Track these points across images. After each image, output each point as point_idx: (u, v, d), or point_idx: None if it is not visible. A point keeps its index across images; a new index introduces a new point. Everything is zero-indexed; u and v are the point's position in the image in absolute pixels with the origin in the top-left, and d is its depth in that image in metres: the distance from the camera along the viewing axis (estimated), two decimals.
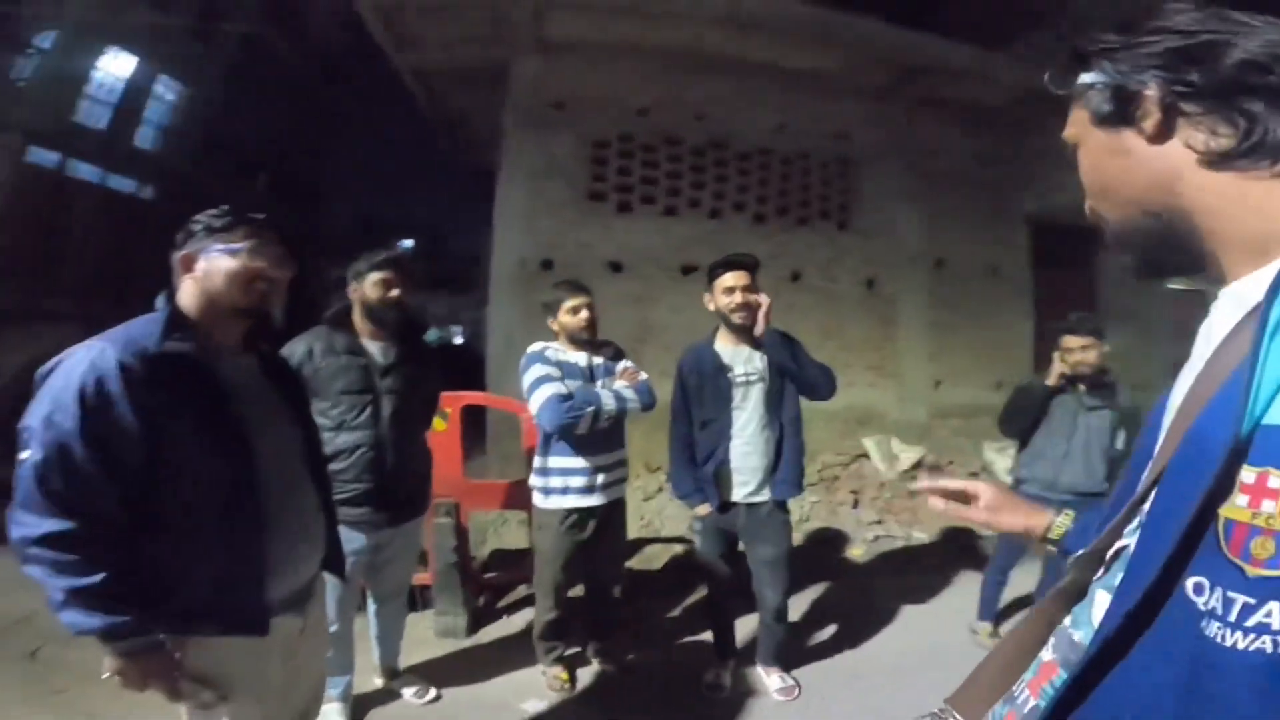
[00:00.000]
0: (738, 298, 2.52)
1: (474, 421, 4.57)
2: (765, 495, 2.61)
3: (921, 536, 4.68)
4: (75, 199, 9.91)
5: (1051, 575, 3.08)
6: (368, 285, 2.31)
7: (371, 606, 2.63)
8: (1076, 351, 2.81)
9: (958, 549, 4.42)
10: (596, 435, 2.52)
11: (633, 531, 4.57)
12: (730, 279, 2.54)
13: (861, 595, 3.78)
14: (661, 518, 4.84)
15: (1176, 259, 0.61)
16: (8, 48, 8.68)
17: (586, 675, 2.90)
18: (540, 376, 2.47)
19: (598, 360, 2.64)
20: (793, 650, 2.99)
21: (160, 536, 1.34)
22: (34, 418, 1.24)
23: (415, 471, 2.46)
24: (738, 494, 2.61)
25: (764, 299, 2.54)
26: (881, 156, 6.56)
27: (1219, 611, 0.45)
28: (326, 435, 2.17)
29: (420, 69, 6.32)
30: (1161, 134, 0.58)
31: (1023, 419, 2.99)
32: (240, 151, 13.27)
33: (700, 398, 2.60)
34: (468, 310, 18.85)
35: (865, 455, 5.96)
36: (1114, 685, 0.51)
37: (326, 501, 1.68)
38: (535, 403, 2.44)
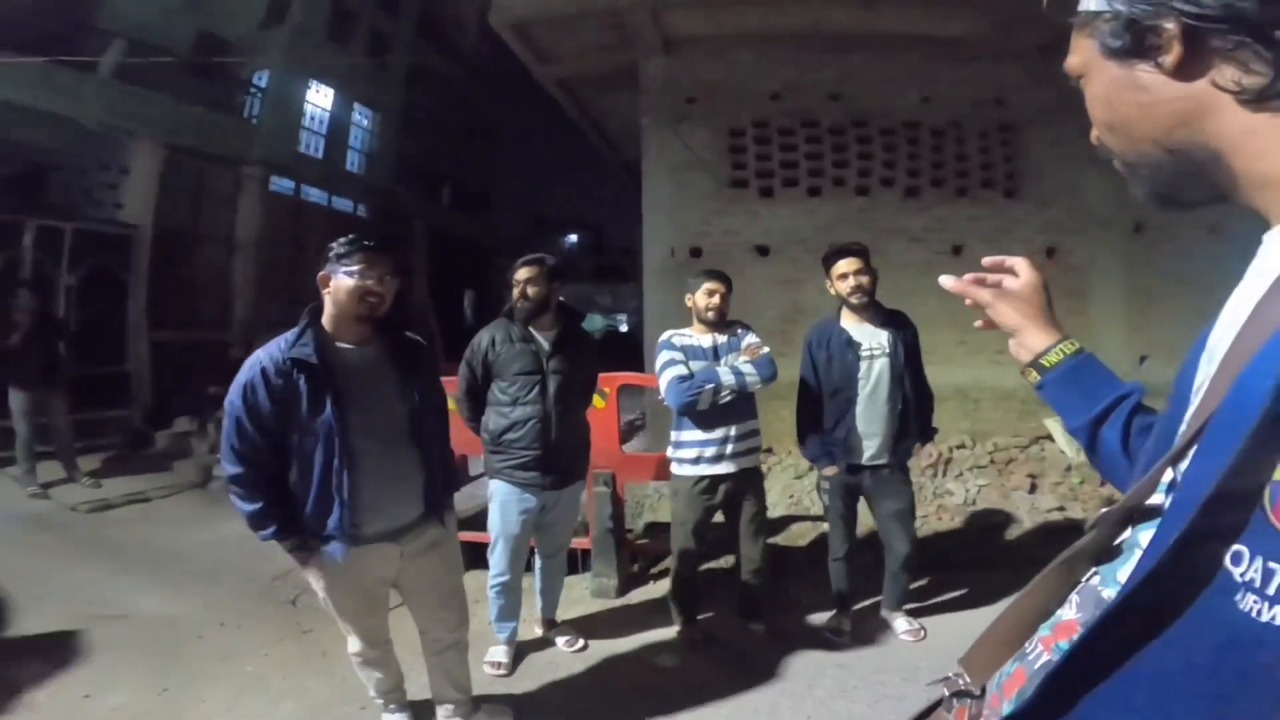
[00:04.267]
0: (852, 281, 2.79)
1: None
2: (886, 459, 2.88)
3: None
4: (309, 221, 11.93)
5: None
6: (516, 285, 2.72)
7: (537, 563, 3.04)
8: None
9: None
10: (722, 408, 2.77)
11: (781, 509, 4.70)
12: (843, 265, 2.83)
13: (1015, 576, 3.55)
14: (811, 496, 4.86)
15: (1195, 193, 0.57)
16: (234, 88, 10.37)
17: (720, 638, 3.10)
18: (665, 361, 2.79)
19: (723, 339, 2.87)
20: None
21: (293, 477, 1.96)
22: (231, 395, 1.91)
23: (576, 442, 2.84)
24: (864, 458, 2.86)
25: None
26: (1049, 119, 5.89)
27: (1257, 584, 0.41)
28: (504, 409, 2.68)
29: (560, 78, 6.83)
30: (1183, 70, 0.52)
31: None
32: (425, 168, 15.03)
33: (828, 370, 2.85)
34: (631, 299, 19.68)
35: (1048, 438, 5.47)
36: (1133, 650, 0.48)
37: (426, 459, 2.10)
38: (661, 385, 2.77)
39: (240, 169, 10.03)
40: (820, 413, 2.91)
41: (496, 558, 2.78)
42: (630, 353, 6.98)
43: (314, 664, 2.95)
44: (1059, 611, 0.62)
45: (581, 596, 3.56)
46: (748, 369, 2.75)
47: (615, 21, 5.57)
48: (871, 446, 2.86)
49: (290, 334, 1.93)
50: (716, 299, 2.85)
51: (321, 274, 1.96)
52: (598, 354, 2.96)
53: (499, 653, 2.84)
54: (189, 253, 9.12)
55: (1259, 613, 0.41)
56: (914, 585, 3.25)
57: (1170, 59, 0.52)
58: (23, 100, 7.09)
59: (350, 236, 1.98)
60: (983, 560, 3.88)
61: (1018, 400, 5.57)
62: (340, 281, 1.92)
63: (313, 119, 12.29)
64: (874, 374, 2.83)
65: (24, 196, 7.78)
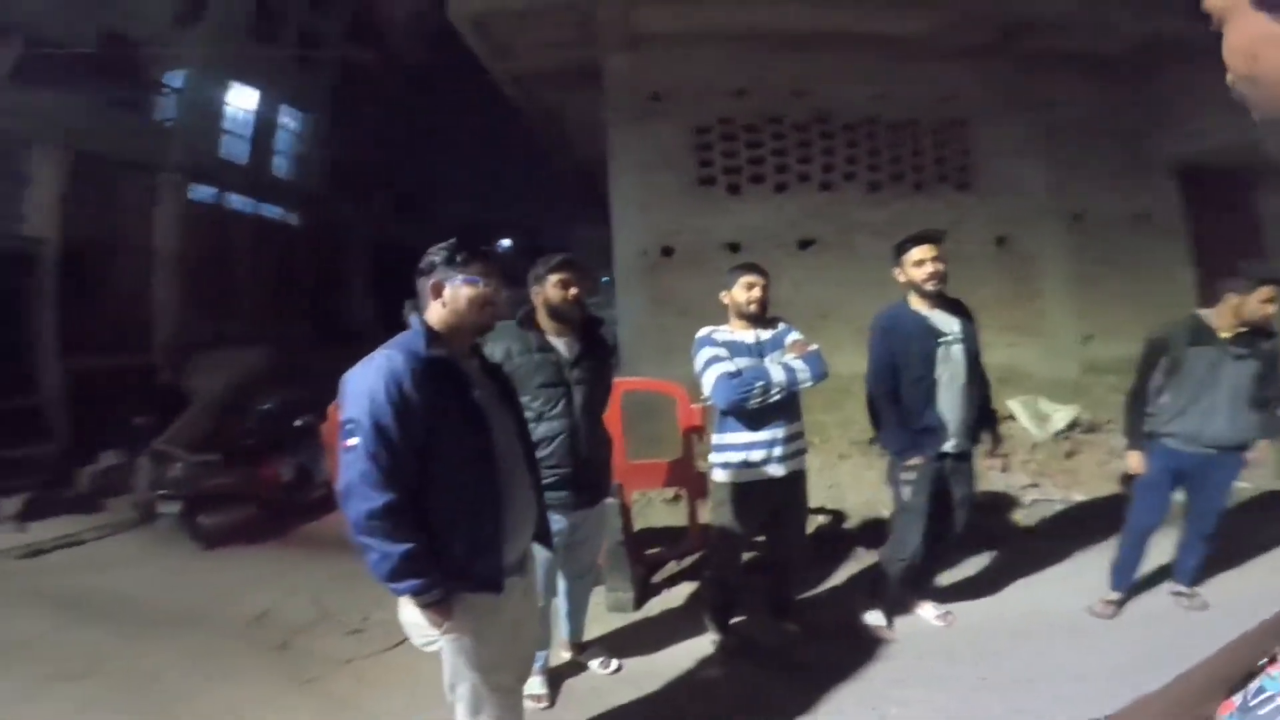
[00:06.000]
0: (929, 268, 2.73)
1: None
2: (966, 445, 2.85)
3: (1080, 498, 4.49)
4: (234, 230, 11.13)
5: (1194, 543, 2.97)
6: (549, 287, 2.51)
7: (561, 585, 2.85)
8: (1255, 303, 2.68)
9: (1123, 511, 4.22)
10: (770, 408, 2.63)
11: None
12: (919, 252, 2.76)
13: (1031, 559, 3.69)
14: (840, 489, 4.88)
15: None
16: (146, 88, 9.46)
17: (757, 641, 3.03)
18: (710, 358, 2.64)
19: (765, 336, 2.77)
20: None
21: (430, 508, 1.65)
22: (357, 412, 1.57)
23: (603, 455, 2.68)
24: (948, 445, 2.80)
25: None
26: (997, 114, 6.23)
27: None
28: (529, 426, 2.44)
29: (516, 75, 6.67)
30: None
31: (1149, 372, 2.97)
32: (358, 171, 14.31)
33: (906, 358, 2.77)
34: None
35: (1010, 417, 5.72)
36: None
37: (537, 479, 1.95)
38: (707, 383, 2.62)
39: (155, 176, 9.23)
40: (899, 402, 2.81)
41: None
42: None
43: (336, 717, 2.68)
44: None
45: (597, 613, 3.40)
46: (799, 365, 2.65)
47: (580, 18, 5.45)
48: (954, 434, 2.80)
49: (407, 337, 1.69)
50: (757, 291, 2.72)
51: (433, 280, 1.74)
52: (612, 361, 2.82)
53: (535, 684, 2.64)
54: (102, 268, 8.32)
55: None
56: None
57: None
58: None
59: (460, 241, 1.79)
60: (976, 540, 3.98)
61: None
62: (459, 289, 1.73)
63: (235, 121, 11.44)
64: (952, 360, 2.77)
65: None
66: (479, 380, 1.81)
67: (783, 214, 5.95)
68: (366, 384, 1.58)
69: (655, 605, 3.50)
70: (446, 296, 1.74)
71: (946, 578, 3.48)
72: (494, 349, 2.46)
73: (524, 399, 2.45)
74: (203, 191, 10.54)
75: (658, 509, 4.79)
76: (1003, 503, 4.56)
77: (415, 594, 1.60)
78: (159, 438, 5.97)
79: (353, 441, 1.56)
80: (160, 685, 2.91)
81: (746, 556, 3.53)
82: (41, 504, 5.78)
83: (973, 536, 3.99)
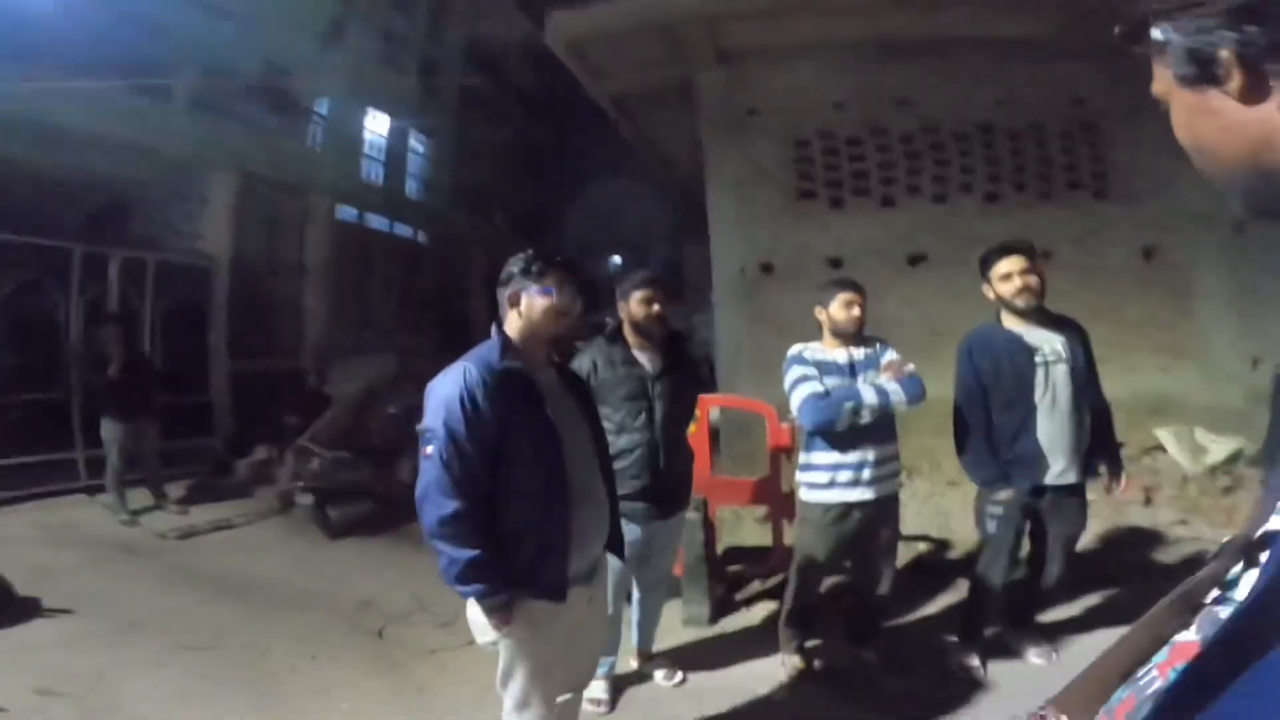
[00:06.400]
0: (1017, 282, 2.53)
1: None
2: (1073, 477, 2.59)
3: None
4: (372, 247, 12.23)
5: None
6: (633, 304, 2.60)
7: (635, 594, 2.91)
8: None
9: None
10: (861, 430, 2.56)
11: None
12: (1005, 265, 2.56)
13: (1146, 591, 3.25)
14: (903, 515, 4.63)
15: None
16: (299, 115, 10.48)
17: (832, 667, 2.92)
18: (798, 377, 2.60)
19: (859, 355, 2.68)
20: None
21: (500, 516, 1.73)
22: (433, 421, 1.68)
23: (683, 469, 2.71)
24: (1048, 477, 2.57)
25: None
26: (1136, 115, 5.57)
27: None
28: (609, 438, 2.49)
29: (615, 95, 6.86)
30: (1251, 94, 0.53)
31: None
32: (478, 192, 15.27)
33: (997, 380, 2.57)
34: (678, 318, 19.60)
35: (1159, 448, 5.10)
36: (1254, 665, 0.47)
37: (611, 490, 2.00)
38: (794, 403, 2.58)
39: (309, 197, 10.34)
40: (989, 429, 2.60)
41: None
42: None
43: (410, 701, 2.89)
44: (1177, 635, 0.60)
45: (672, 624, 3.41)
46: (893, 387, 2.55)
47: (670, 37, 5.56)
48: (1057, 464, 2.56)
49: (485, 348, 1.78)
50: (856, 310, 2.64)
51: (510, 291, 1.82)
52: (699, 377, 2.84)
53: (598, 688, 2.70)
54: (264, 282, 9.45)
55: None
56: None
57: (1235, 85, 0.54)
58: (103, 130, 7.18)
59: (536, 252, 1.87)
60: (1104, 577, 3.59)
61: (1124, 410, 5.21)
62: (535, 300, 1.79)
63: (371, 146, 12.51)
64: (1053, 382, 2.54)
65: (110, 229, 8.05)
66: (555, 391, 1.88)
67: (890, 228, 5.70)
68: (443, 394, 1.69)
69: (732, 622, 3.47)
70: (523, 307, 1.81)
71: (1063, 612, 3.18)
72: (581, 362, 2.59)
73: (606, 411, 2.54)
74: (346, 212, 11.59)
75: (749, 526, 4.72)
76: (1144, 539, 4.11)
77: (479, 598, 1.69)
78: (303, 435, 6.68)
79: (429, 449, 1.66)
80: (268, 660, 3.25)
81: (833, 580, 3.41)
82: (202, 490, 6.63)
83: (1101, 573, 3.62)
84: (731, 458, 5.60)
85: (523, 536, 1.73)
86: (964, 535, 4.39)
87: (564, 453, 1.77)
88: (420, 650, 3.34)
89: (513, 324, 1.83)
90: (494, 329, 1.83)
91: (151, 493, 5.92)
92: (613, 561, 2.56)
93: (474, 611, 1.77)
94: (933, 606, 3.44)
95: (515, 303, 1.82)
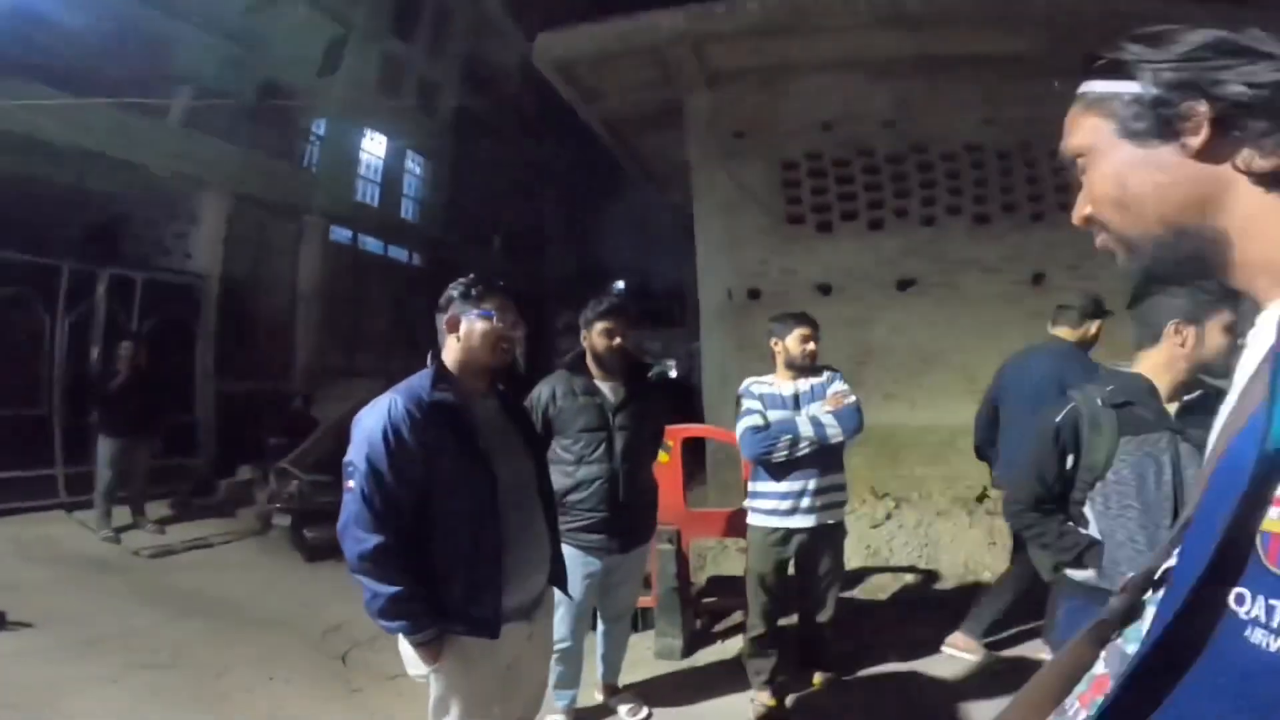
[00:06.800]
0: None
1: (694, 452, 4.73)
2: None
3: None
4: (366, 269, 12.23)
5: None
6: (594, 334, 2.55)
7: (600, 626, 2.83)
8: None
9: None
10: (801, 459, 2.60)
11: (858, 560, 4.36)
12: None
13: None
14: (890, 546, 4.53)
15: (1188, 271, 0.61)
16: (297, 136, 10.46)
17: (805, 703, 2.84)
18: (743, 411, 2.68)
19: (805, 387, 2.70)
20: None
21: (427, 550, 1.66)
22: (355, 455, 1.62)
23: (644, 501, 2.66)
24: None
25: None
26: None
27: (1262, 619, 0.46)
28: (568, 469, 2.46)
29: (604, 117, 6.87)
30: (1206, 152, 0.54)
31: None
32: (476, 214, 15.27)
33: None
34: (679, 343, 19.50)
35: None
36: (1163, 692, 0.51)
37: (553, 523, 1.91)
38: (737, 434, 2.67)
39: (302, 218, 10.35)
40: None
41: (557, 623, 2.54)
42: (685, 400, 6.77)
43: None
44: (1093, 669, 0.63)
45: (644, 657, 3.30)
46: (829, 420, 2.59)
47: (657, 59, 5.57)
48: None
49: (418, 378, 1.72)
50: (811, 345, 2.71)
51: (449, 316, 1.75)
52: (664, 406, 2.83)
53: None
54: (253, 303, 9.42)
55: (1267, 645, 0.45)
56: None
57: (1197, 141, 0.54)
58: (96, 147, 7.18)
59: (477, 276, 1.81)
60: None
61: None
62: (474, 325, 1.73)
63: (368, 167, 12.52)
64: None
65: (99, 245, 8.01)
66: (493, 422, 1.81)
67: (879, 252, 5.64)
68: (367, 428, 1.64)
69: (706, 655, 3.35)
70: (461, 332, 1.75)
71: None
72: (541, 391, 2.55)
73: (565, 442, 2.51)
74: (340, 233, 11.57)
75: (733, 557, 4.59)
76: None
77: (404, 634, 1.63)
78: (286, 457, 6.59)
79: (350, 483, 1.61)
80: (224, 680, 3.17)
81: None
82: (182, 509, 6.53)
83: None
84: (719, 487, 5.49)
85: (453, 572, 1.66)
86: (952, 567, 4.27)
87: (498, 486, 1.70)
88: (381, 676, 3.25)
89: (451, 351, 1.76)
90: (429, 358, 1.77)
91: (132, 511, 5.83)
92: (574, 592, 2.46)
93: (404, 644, 1.70)
94: (916, 639, 3.30)
95: (454, 327, 1.75)
